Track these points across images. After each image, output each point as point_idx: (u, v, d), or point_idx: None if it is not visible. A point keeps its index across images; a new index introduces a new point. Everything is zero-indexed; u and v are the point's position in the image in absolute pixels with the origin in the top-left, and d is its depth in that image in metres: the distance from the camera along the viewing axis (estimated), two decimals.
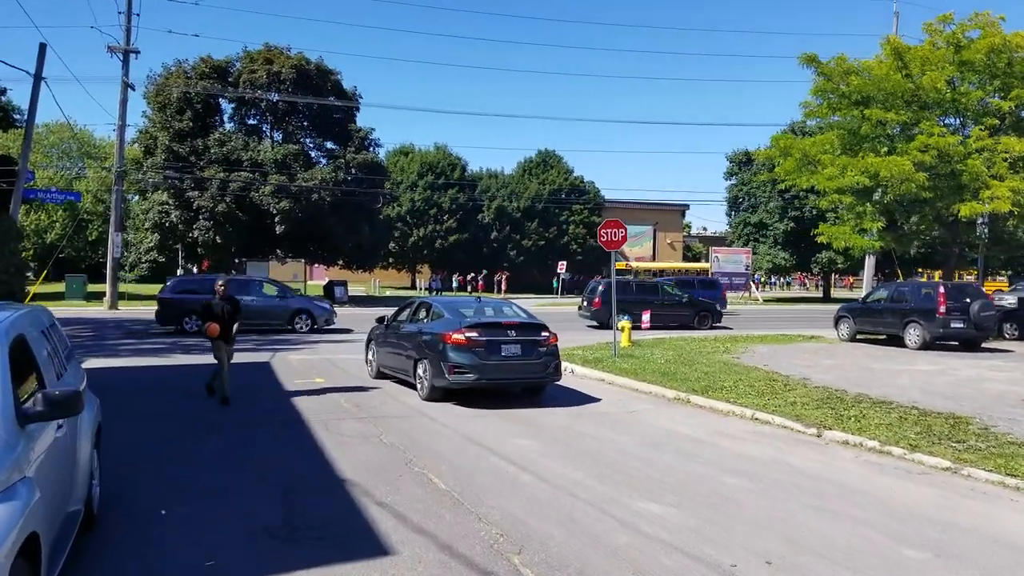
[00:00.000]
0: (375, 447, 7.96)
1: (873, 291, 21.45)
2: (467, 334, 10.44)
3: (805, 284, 79.19)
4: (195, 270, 71.12)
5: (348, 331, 23.91)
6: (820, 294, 55.50)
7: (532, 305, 42.95)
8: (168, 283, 24.55)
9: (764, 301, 49.67)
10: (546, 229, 62.20)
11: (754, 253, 49.83)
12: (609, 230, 15.57)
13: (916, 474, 7.42)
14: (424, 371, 10.88)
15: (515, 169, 66.97)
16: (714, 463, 7.66)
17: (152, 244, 45.59)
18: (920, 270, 56.22)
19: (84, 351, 17.97)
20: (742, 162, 53.36)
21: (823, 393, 11.47)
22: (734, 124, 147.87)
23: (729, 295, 48.68)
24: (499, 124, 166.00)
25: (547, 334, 10.93)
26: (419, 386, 11.05)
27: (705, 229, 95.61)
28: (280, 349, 18.79)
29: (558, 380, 11.38)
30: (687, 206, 76.64)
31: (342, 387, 12.41)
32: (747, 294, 49.42)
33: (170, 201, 38.00)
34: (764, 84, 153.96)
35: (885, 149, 21.62)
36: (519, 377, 10.86)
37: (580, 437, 8.82)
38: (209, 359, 16.55)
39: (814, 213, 46.55)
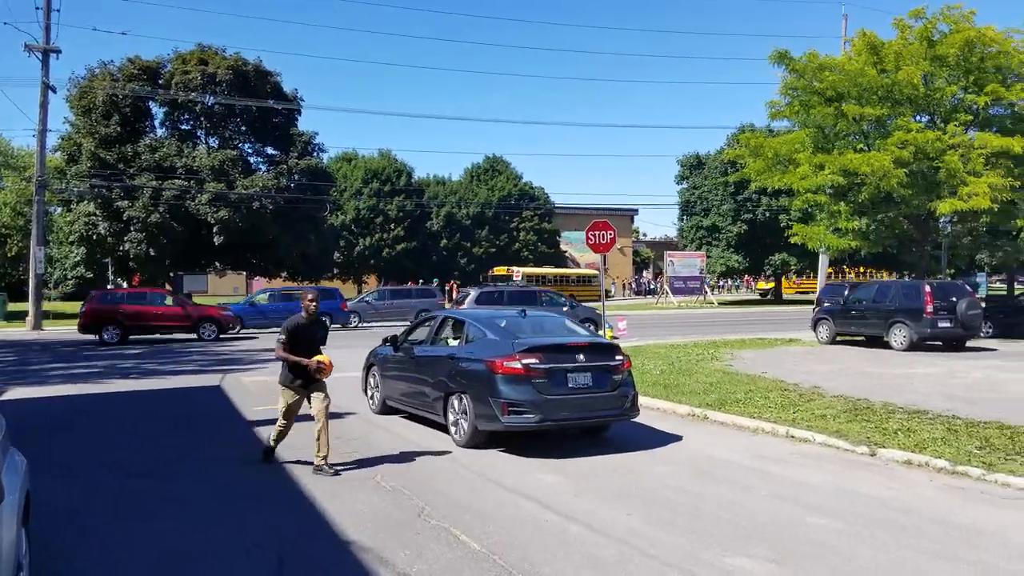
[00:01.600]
0: (375, 493, 6.58)
1: (852, 292, 20.86)
2: (525, 360, 7.94)
3: (751, 287, 79.77)
4: (125, 285, 67.77)
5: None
6: (771, 296, 55.65)
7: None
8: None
9: (719, 304, 49.43)
10: (496, 236, 61.05)
11: (707, 256, 49.55)
12: (597, 232, 14.46)
13: (1010, 499, 6.42)
14: (462, 409, 8.38)
15: (463, 176, 65.71)
16: (780, 496, 6.52)
17: (78, 259, 42.87)
18: (869, 270, 56.97)
19: (6, 378, 16.00)
20: (693, 165, 53.16)
21: (846, 403, 10.51)
22: (682, 127, 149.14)
23: (685, 299, 48.43)
24: (445, 129, 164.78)
25: (621, 357, 8.56)
26: (453, 429, 8.55)
27: (644, 235, 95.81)
28: (231, 369, 17.08)
29: (636, 416, 8.80)
30: (636, 211, 76.54)
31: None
32: (702, 298, 49.08)
33: (97, 212, 35.48)
34: (713, 86, 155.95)
35: (861, 146, 21.12)
36: (591, 416, 8.33)
37: (610, 468, 7.60)
38: (154, 383, 14.93)
39: (767, 215, 46.58)
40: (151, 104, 39.56)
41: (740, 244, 49.04)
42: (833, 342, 20.33)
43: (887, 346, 18.70)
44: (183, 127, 40.22)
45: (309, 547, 5.32)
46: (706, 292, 50.05)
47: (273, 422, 10.08)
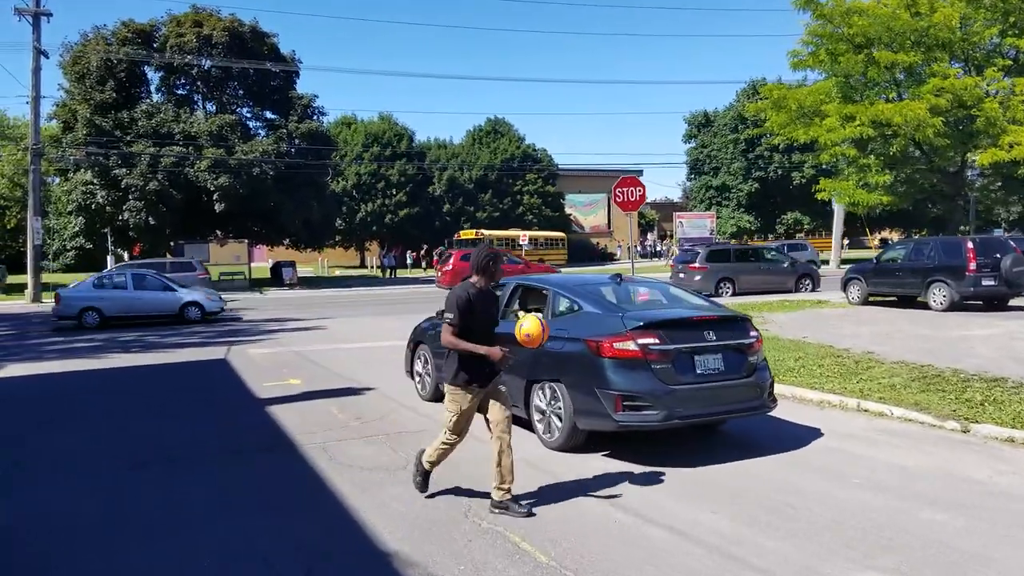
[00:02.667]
0: (408, 486, 5.71)
1: (886, 250, 19.89)
2: (642, 340, 6.20)
3: None
4: (126, 256, 67.01)
5: (272, 321, 21.39)
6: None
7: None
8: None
9: None
10: (500, 200, 59.93)
11: (717, 217, 48.51)
12: (625, 188, 13.49)
13: None
14: (557, 402, 6.66)
15: (464, 138, 64.41)
16: (880, 486, 5.66)
17: (77, 229, 41.82)
18: (886, 230, 55.95)
19: (3, 354, 15.19)
20: (701, 124, 51.90)
21: (911, 370, 9.63)
22: (688, 82, 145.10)
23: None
24: (446, 90, 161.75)
25: (755, 333, 6.85)
26: (541, 426, 6.89)
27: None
28: (236, 341, 16.25)
29: (775, 408, 6.96)
30: (641, 172, 75.13)
31: (327, 390, 10.08)
32: None
33: (95, 181, 34.47)
34: (720, 40, 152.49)
35: (893, 95, 20.03)
36: (725, 409, 6.61)
37: (677, 453, 6.75)
38: (156, 357, 13.98)
39: (779, 173, 45.45)
40: (146, 69, 38.41)
41: (751, 204, 47.97)
42: (865, 303, 19.44)
43: (924, 306, 17.79)
44: (179, 92, 39.07)
45: (341, 557, 4.48)
46: None
47: (286, 399, 9.36)
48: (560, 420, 6.63)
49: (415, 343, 9.36)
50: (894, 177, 20.98)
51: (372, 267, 56.52)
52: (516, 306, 7.85)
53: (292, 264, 39.23)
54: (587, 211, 72.67)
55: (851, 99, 20.96)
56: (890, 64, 19.55)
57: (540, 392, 6.88)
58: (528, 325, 5.26)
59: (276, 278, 38.58)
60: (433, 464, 5.48)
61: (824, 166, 44.07)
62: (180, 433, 7.78)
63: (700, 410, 6.38)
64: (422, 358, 9.15)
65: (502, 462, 5.17)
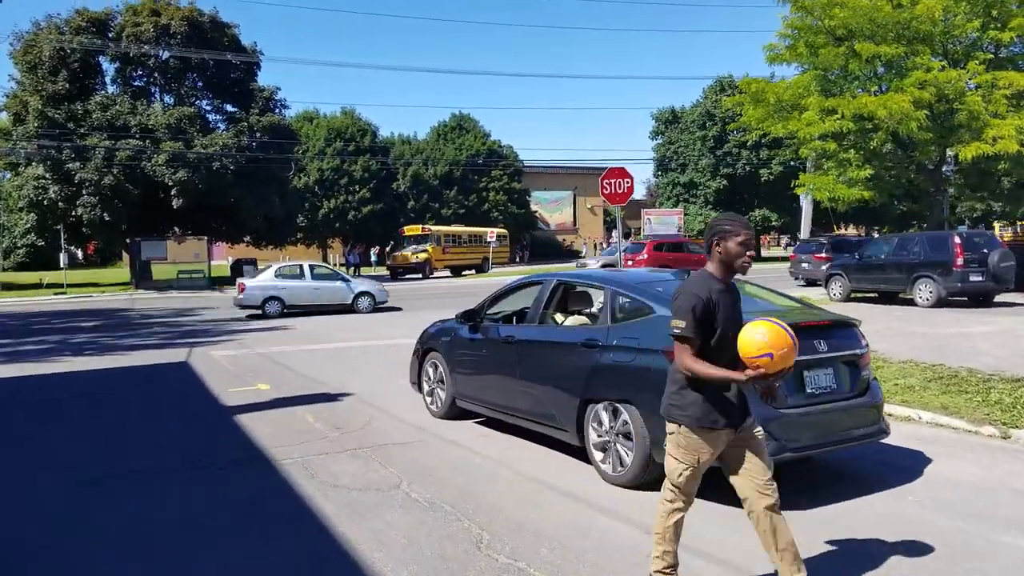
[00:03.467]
0: (407, 510, 4.97)
1: (868, 246, 19.60)
2: None
3: None
4: (80, 254, 64.74)
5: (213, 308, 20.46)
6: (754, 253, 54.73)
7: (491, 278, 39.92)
8: None
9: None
10: (466, 197, 59.13)
11: (685, 214, 48.24)
12: (612, 180, 12.85)
13: None
14: (626, 428, 5.34)
15: (429, 134, 63.42)
16: (942, 504, 5.06)
17: (29, 226, 40.16)
18: (850, 227, 56.27)
19: None
20: (669, 120, 51.61)
21: (923, 370, 9.08)
22: (655, 78, 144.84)
23: None
24: (410, 84, 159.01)
25: (865, 342, 5.57)
26: (600, 455, 5.60)
27: None
28: (198, 343, 15.30)
29: (889, 434, 5.59)
30: (606, 169, 74.85)
31: (299, 396, 9.28)
32: None
33: (47, 175, 32.94)
34: (686, 35, 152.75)
35: (875, 88, 19.74)
36: (843, 438, 5.26)
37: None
38: (112, 360, 12.87)
39: (747, 170, 45.35)
40: (101, 60, 36.92)
41: (719, 201, 47.82)
42: (848, 299, 19.17)
43: (908, 303, 17.52)
44: (136, 83, 37.65)
45: None
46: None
47: (256, 407, 8.51)
48: (629, 450, 5.32)
49: (424, 351, 8.11)
50: (878, 171, 20.69)
51: (335, 265, 55.34)
52: (553, 309, 6.68)
53: (254, 262, 37.98)
54: (552, 208, 72.29)
55: (830, 93, 20.64)
56: (871, 57, 19.24)
57: (600, 414, 5.56)
58: (770, 336, 3.28)
59: (237, 276, 37.32)
60: (670, 551, 3.62)
61: (793, 162, 44.18)
62: (138, 445, 6.94)
63: (815, 439, 5.05)
64: (433, 369, 7.89)
65: (778, 530, 3.48)
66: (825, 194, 21.09)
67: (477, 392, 7.16)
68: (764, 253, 54.02)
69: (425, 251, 39.77)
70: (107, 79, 37.52)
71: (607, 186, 13.05)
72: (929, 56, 19.11)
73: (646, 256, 27.78)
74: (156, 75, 37.29)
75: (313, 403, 8.81)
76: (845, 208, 24.08)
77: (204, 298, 29.50)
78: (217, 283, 35.59)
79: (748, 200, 47.27)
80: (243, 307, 20.71)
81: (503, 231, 49.06)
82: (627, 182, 12.90)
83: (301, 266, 21.78)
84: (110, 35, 35.82)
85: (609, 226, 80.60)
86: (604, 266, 24.78)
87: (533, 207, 66.77)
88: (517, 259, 58.96)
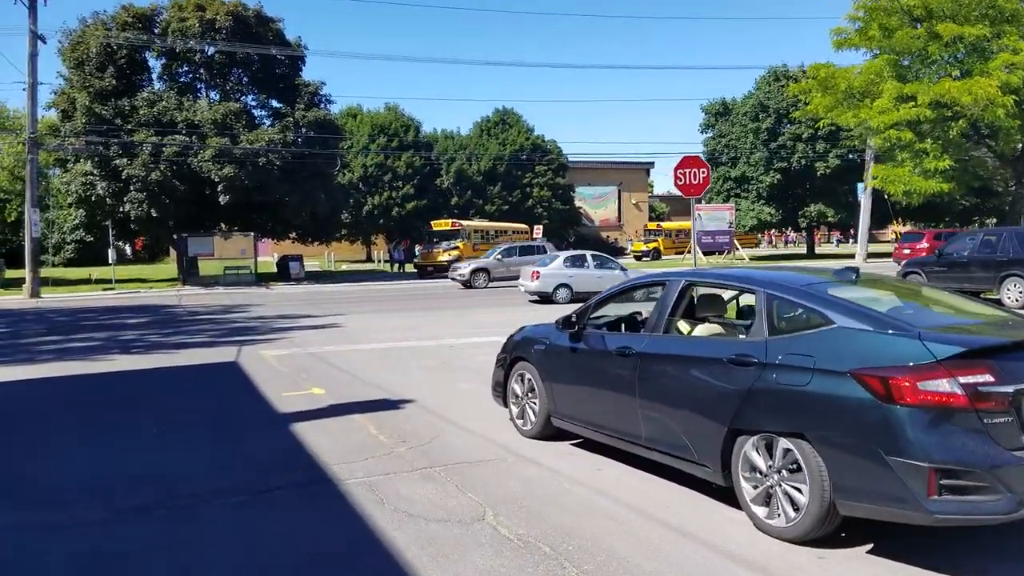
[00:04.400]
0: (498, 551, 4.26)
1: (950, 243, 18.44)
2: (967, 376, 3.88)
3: (771, 241, 77.27)
4: (128, 250, 65.56)
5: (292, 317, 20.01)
6: (804, 250, 53.16)
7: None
8: None
9: (749, 259, 46.96)
10: (509, 193, 58.46)
11: (736, 209, 46.97)
12: (688, 170, 11.98)
13: None
14: (793, 466, 4.38)
15: (472, 129, 62.89)
16: None
17: (77, 222, 40.47)
18: (906, 224, 54.22)
19: None
20: (719, 112, 50.29)
21: None
22: (702, 68, 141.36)
23: (715, 256, 46.05)
24: (453, 78, 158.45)
25: None
26: (759, 499, 4.58)
27: (652, 187, 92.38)
28: (246, 341, 14.83)
29: None
30: (652, 164, 73.68)
31: (357, 402, 8.67)
32: (731, 253, 46.62)
33: (95, 171, 33.05)
34: (738, 23, 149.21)
35: (956, 72, 18.57)
36: None
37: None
38: (160, 359, 12.24)
39: (803, 163, 43.91)
40: (148, 55, 36.92)
41: (772, 195, 46.43)
42: None
43: (995, 303, 16.40)
44: (182, 79, 37.61)
45: None
46: (736, 247, 47.57)
47: (312, 415, 7.86)
48: (801, 495, 4.29)
49: (512, 360, 7.11)
50: (953, 163, 19.49)
51: (379, 261, 55.18)
52: (679, 316, 5.59)
53: (299, 258, 37.88)
54: (596, 204, 71.31)
55: (905, 79, 19.49)
56: (953, 39, 18.06)
57: (755, 449, 4.54)
58: None
59: (283, 273, 37.22)
60: None
61: (851, 155, 42.71)
62: (188, 461, 6.36)
63: None
64: (522, 381, 6.92)
65: None
66: (900, 187, 19.94)
67: (580, 411, 6.15)
68: (817, 250, 52.38)
69: (456, 248, 37.70)
70: (153, 75, 37.60)
71: (681, 176, 12.21)
72: (1016, 37, 17.86)
73: (926, 245, 24.46)
74: (202, 71, 37.24)
75: (372, 410, 8.19)
76: (919, 201, 22.84)
77: (251, 294, 29.25)
78: (263, 279, 35.45)
79: (802, 195, 45.84)
80: (533, 293, 21.46)
81: (523, 226, 47.76)
82: (703, 172, 12.04)
83: (584, 255, 22.73)
84: (156, 31, 35.85)
85: (655, 221, 79.32)
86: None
87: (577, 203, 65.90)
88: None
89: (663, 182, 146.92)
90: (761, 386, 4.46)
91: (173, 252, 43.66)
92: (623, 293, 6.33)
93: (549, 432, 6.64)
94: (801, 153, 43.77)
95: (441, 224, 40.95)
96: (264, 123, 37.26)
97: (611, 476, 5.63)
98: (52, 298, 28.89)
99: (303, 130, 36.05)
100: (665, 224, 55.23)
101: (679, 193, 58.34)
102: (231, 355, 13.05)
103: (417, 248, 54.74)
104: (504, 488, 5.37)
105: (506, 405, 7.26)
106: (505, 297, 24.40)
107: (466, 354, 12.46)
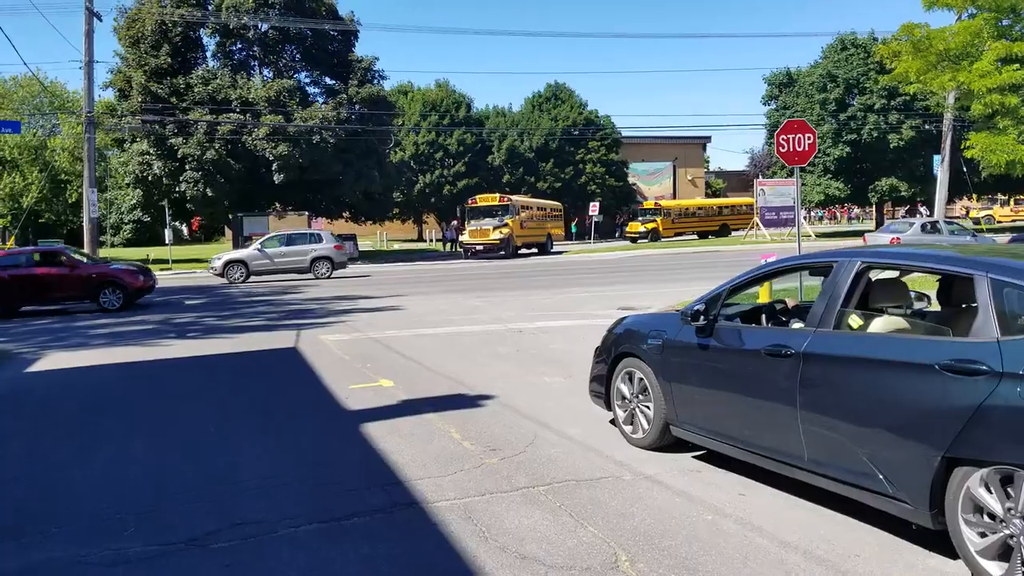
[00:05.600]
0: None
1: None
2: None
3: (836, 217, 74.57)
4: (184, 230, 66.21)
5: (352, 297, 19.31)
6: (873, 226, 50.84)
7: (605, 253, 38.09)
8: None
9: (816, 236, 45.01)
10: (561, 170, 57.16)
11: (802, 184, 44.91)
12: (791, 136, 10.79)
13: None
14: None
15: (523, 105, 61.60)
16: None
17: (135, 201, 40.64)
18: (977, 199, 51.47)
19: (47, 338, 13.45)
20: (783, 83, 48.14)
21: None
22: (760, 35, 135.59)
23: (777, 232, 44.21)
24: (504, 52, 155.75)
25: None
26: (989, 550, 3.42)
27: (707, 163, 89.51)
28: (305, 325, 14.13)
29: None
30: (709, 138, 71.45)
31: (431, 398, 7.81)
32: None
33: (151, 150, 32.94)
34: None
35: None
36: None
37: None
38: (216, 345, 11.53)
39: (874, 136, 41.72)
40: (202, 33, 36.62)
41: (840, 169, 44.28)
42: None
43: None
44: (236, 57, 37.19)
45: None
46: (801, 224, 45.59)
47: (383, 414, 6.94)
48: None
49: (617, 355, 6.04)
50: None
51: (431, 240, 54.59)
52: (852, 306, 4.43)
53: (353, 238, 37.34)
54: (651, 180, 69.49)
55: (1008, 39, 17.84)
56: None
57: (988, 486, 3.45)
58: None
59: None
60: None
61: (928, 125, 40.40)
62: (248, 472, 5.55)
63: None
64: (632, 382, 5.88)
65: None
66: (1003, 156, 18.28)
67: (712, 422, 5.13)
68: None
69: (506, 225, 34.07)
70: (207, 53, 37.37)
71: (784, 143, 11.02)
72: None
73: None
74: (255, 48, 36.81)
75: (450, 408, 7.31)
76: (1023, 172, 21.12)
77: (306, 276, 28.77)
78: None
79: (872, 169, 43.64)
80: None
81: (557, 204, 45.98)
82: (808, 138, 10.82)
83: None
84: (210, 7, 35.47)
85: (711, 198, 77.16)
86: None
87: (631, 179, 64.27)
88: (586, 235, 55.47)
89: (719, 157, 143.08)
90: (997, 403, 3.35)
91: (228, 232, 43.65)
92: (765, 278, 5.26)
93: (666, 442, 5.65)
94: (872, 124, 41.57)
95: (487, 199, 36.77)
96: (317, 100, 36.76)
97: (762, 506, 4.60)
98: None
99: (356, 107, 35.42)
100: (664, 202, 50.67)
101: (744, 167, 56.17)
102: (290, 340, 12.34)
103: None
104: (631, 520, 4.40)
105: (608, 407, 6.27)
106: (569, 278, 23.42)
107: (539, 341, 11.53)
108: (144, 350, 11.79)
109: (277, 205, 37.59)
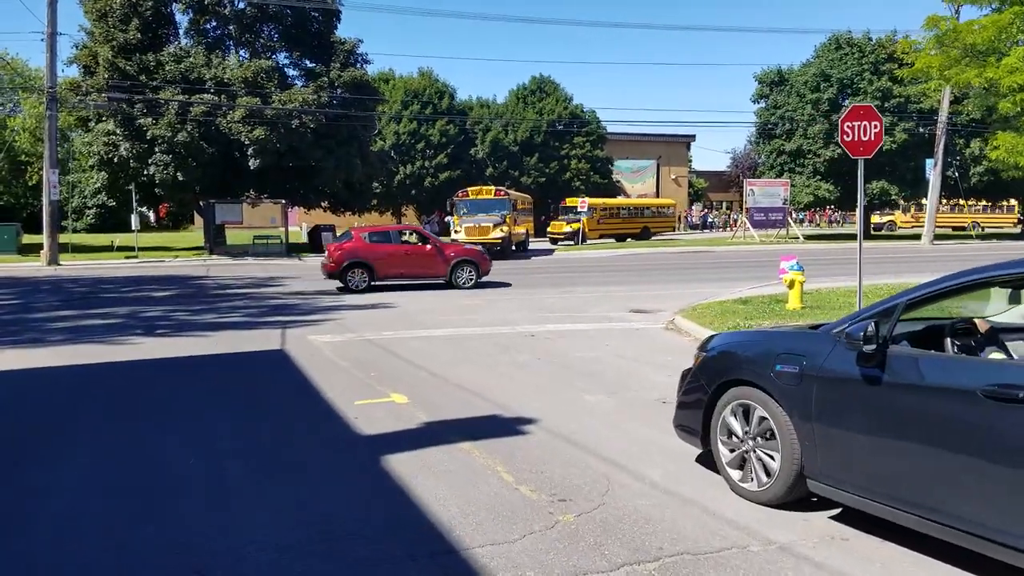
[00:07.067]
0: None
1: None
2: None
3: (815, 221, 74.18)
4: (151, 216, 63.80)
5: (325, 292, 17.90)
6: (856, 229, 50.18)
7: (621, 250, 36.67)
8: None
9: (804, 238, 44.25)
10: (547, 164, 55.81)
11: (791, 185, 44.11)
12: (856, 124, 9.60)
13: None
14: None
15: (508, 97, 60.16)
16: None
17: (99, 185, 38.53)
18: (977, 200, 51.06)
19: None
20: (774, 82, 47.20)
21: None
22: (749, 30, 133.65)
23: (766, 232, 43.34)
24: (488, 38, 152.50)
25: None
26: None
27: (691, 162, 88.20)
28: (290, 323, 12.67)
29: None
30: (693, 137, 70.64)
31: (459, 421, 6.46)
32: (785, 231, 43.93)
33: (118, 131, 30.93)
34: None
35: None
36: None
37: None
38: (190, 344, 9.87)
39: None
40: (175, 10, 34.60)
41: (830, 171, 43.47)
42: None
43: None
44: (210, 35, 35.23)
45: None
46: (789, 225, 44.81)
47: (397, 439, 5.43)
48: None
49: (719, 385, 4.79)
50: None
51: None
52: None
53: (333, 228, 35.71)
54: (634, 178, 68.62)
55: None
56: None
57: None
58: None
59: (314, 244, 35.02)
60: None
61: (922, 129, 39.76)
62: (239, 526, 4.16)
63: None
64: (747, 419, 4.60)
65: None
66: None
67: (881, 480, 3.83)
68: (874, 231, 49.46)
69: (502, 223, 30.44)
70: (180, 30, 35.31)
71: (848, 131, 9.82)
72: None
73: None
74: (231, 26, 34.84)
75: (486, 435, 5.96)
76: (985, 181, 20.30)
77: (283, 266, 27.19)
78: (295, 250, 33.37)
79: (864, 171, 42.87)
80: None
81: (528, 197, 41.93)
82: (875, 126, 9.64)
83: None
84: None
85: (693, 198, 76.39)
86: None
87: (615, 176, 63.22)
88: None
89: (702, 156, 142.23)
90: None
91: (198, 220, 41.71)
92: (961, 290, 3.96)
93: (793, 497, 4.34)
94: None
95: (481, 191, 33.30)
96: (297, 83, 34.94)
97: None
98: (71, 266, 26.97)
99: (338, 91, 33.72)
100: (592, 200, 44.50)
101: (726, 168, 55.00)
102: (275, 340, 10.89)
103: (451, 220, 52.64)
104: None
105: (705, 445, 4.95)
106: (564, 277, 22.16)
107: (557, 347, 10.22)
108: (107, 349, 10.27)
109: (252, 192, 35.73)
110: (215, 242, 32.86)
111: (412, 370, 8.71)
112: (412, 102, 53.81)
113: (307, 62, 36.04)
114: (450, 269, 18.17)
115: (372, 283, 17.88)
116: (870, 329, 3.81)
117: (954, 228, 53.71)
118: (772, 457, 4.39)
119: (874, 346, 3.81)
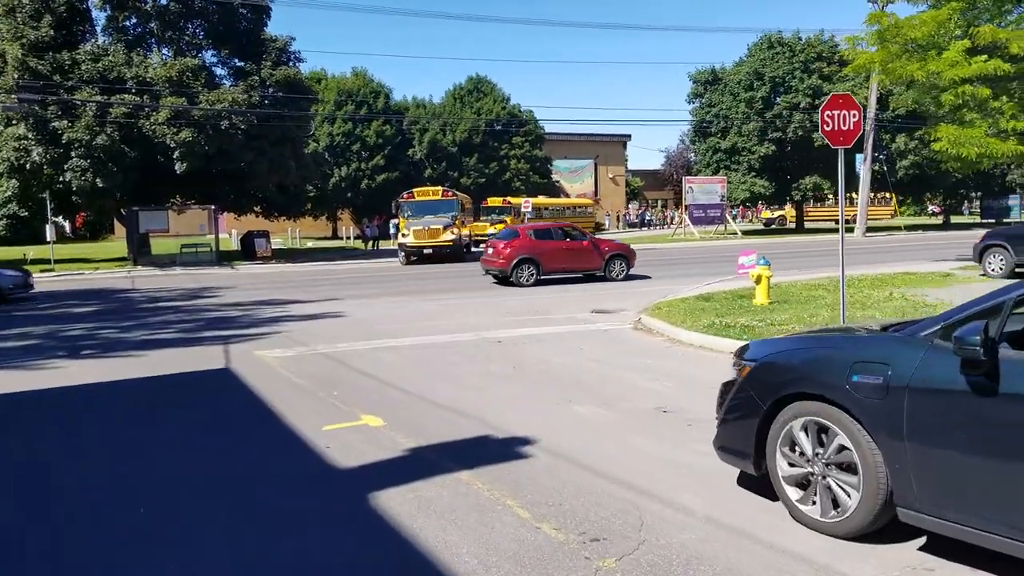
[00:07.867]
0: None
1: None
2: None
3: (747, 217, 75.32)
4: (67, 226, 60.51)
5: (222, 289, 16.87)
6: (793, 225, 51.04)
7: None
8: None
9: (742, 234, 44.65)
10: (486, 165, 55.16)
11: (728, 182, 44.45)
12: (836, 112, 9.12)
13: None
14: None
15: (445, 98, 59.33)
16: None
17: (9, 194, 36.09)
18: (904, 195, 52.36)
19: None
20: (708, 81, 47.55)
21: None
22: (682, 29, 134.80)
23: (705, 229, 43.53)
24: (422, 37, 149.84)
25: None
26: None
27: (627, 161, 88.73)
28: (232, 338, 11.59)
29: None
30: (629, 136, 71.05)
31: (444, 444, 5.65)
32: (724, 227, 44.21)
33: (30, 135, 28.81)
34: None
35: None
36: None
37: None
38: (122, 366, 8.54)
39: (799, 134, 41.55)
40: (90, 5, 32.58)
41: (765, 167, 43.97)
42: (1012, 275, 15.97)
43: None
44: (131, 33, 33.33)
45: None
46: (727, 221, 45.14)
47: (390, 481, 4.56)
48: None
49: (776, 400, 4.11)
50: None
51: (348, 238, 51.52)
52: None
53: (266, 235, 34.25)
54: (573, 178, 68.65)
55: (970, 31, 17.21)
56: None
57: None
58: None
59: (246, 251, 33.51)
60: None
61: (892, 119, 40.34)
62: None
63: None
64: (816, 439, 3.94)
65: None
66: (972, 150, 17.34)
67: (996, 508, 3.20)
68: (809, 224, 50.28)
69: (452, 225, 29.00)
70: (97, 28, 33.32)
71: (828, 120, 9.35)
72: None
73: None
74: (153, 24, 33.03)
75: (482, 462, 5.17)
76: (989, 166, 20.49)
77: (216, 276, 25.74)
78: (226, 258, 31.80)
79: (798, 167, 43.60)
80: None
81: (467, 197, 40.50)
82: (854, 115, 9.20)
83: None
84: None
85: (630, 196, 76.76)
86: None
87: (554, 176, 63.01)
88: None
89: (638, 156, 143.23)
90: None
91: (120, 229, 39.56)
92: None
93: (879, 525, 3.69)
94: (797, 123, 41.39)
95: (428, 192, 31.76)
96: (226, 83, 33.36)
97: None
98: None
99: (270, 90, 32.31)
100: (514, 199, 42.38)
101: (660, 166, 54.96)
102: (218, 358, 9.85)
103: (392, 224, 51.37)
104: None
105: (759, 470, 4.25)
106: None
107: (532, 354, 9.50)
108: (24, 375, 9.07)
109: (178, 198, 33.96)
110: (139, 252, 31.03)
111: (379, 387, 7.85)
112: (346, 102, 52.42)
113: (236, 61, 34.47)
114: (604, 262, 19.14)
115: (540, 278, 18.73)
116: (980, 333, 3.19)
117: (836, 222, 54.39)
118: (851, 483, 3.72)
119: (986, 352, 3.19)
